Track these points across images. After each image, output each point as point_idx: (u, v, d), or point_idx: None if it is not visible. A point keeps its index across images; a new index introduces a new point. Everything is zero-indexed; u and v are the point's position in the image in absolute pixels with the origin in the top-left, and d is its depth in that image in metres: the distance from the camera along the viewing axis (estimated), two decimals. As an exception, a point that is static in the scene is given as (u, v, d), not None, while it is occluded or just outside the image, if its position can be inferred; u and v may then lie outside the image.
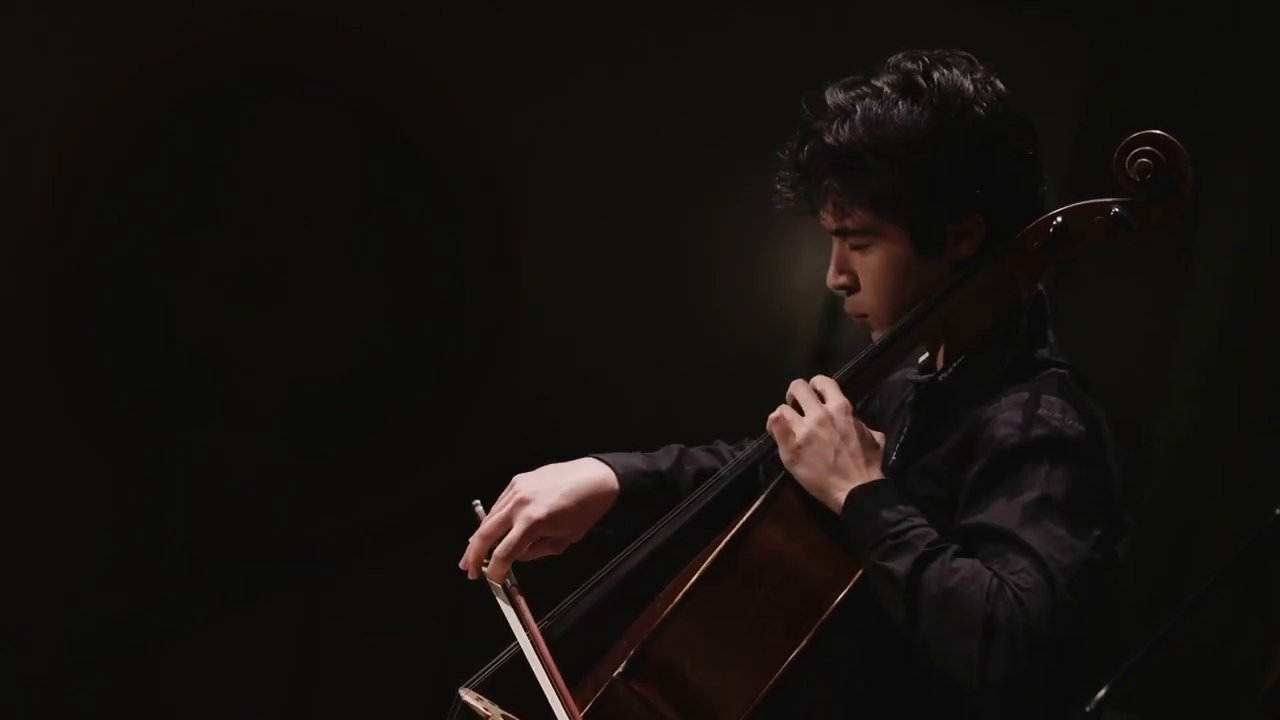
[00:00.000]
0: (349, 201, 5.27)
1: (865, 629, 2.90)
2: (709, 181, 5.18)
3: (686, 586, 2.86)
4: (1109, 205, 2.88)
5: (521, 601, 3.09)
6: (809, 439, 2.90)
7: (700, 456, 3.26)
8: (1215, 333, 5.17)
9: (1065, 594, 2.72)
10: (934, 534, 2.79)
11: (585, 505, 3.15)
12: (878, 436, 2.95)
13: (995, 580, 2.71)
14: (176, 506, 5.21)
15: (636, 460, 3.21)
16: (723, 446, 3.29)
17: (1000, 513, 2.78)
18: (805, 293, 5.11)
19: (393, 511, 5.25)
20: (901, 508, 2.82)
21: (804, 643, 2.84)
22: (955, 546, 2.77)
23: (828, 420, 2.91)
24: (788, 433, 2.92)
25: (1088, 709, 3.17)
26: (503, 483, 3.24)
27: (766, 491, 2.93)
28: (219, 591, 5.26)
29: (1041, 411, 2.83)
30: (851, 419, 2.92)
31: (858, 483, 2.86)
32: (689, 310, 5.26)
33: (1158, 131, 2.84)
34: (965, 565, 2.75)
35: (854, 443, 2.90)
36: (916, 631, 2.76)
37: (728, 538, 2.88)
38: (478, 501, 3.21)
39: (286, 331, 5.20)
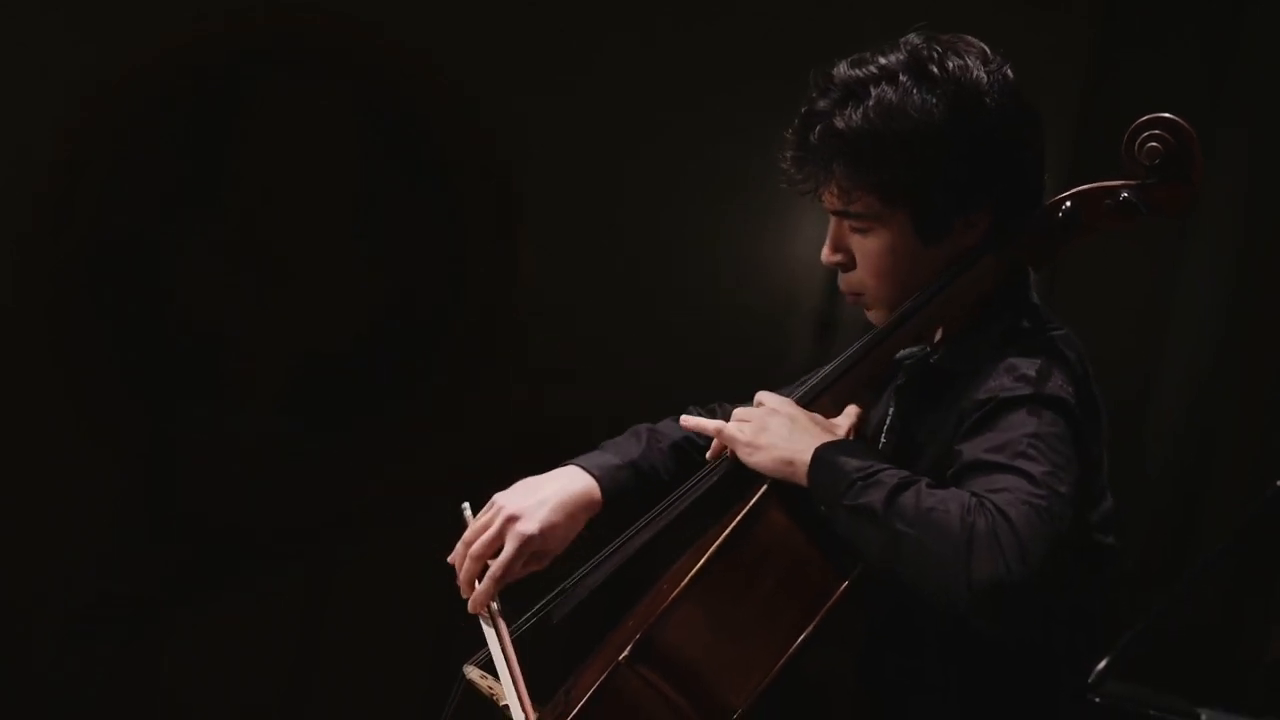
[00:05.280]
0: (350, 181, 5.26)
1: (881, 613, 2.91)
2: (711, 157, 5.18)
3: (693, 571, 2.86)
4: (1118, 190, 2.86)
5: (504, 628, 3.08)
6: (761, 426, 2.90)
7: (668, 431, 3.23)
8: (1215, 309, 5.17)
9: (1054, 512, 2.66)
10: (905, 473, 2.75)
11: (573, 517, 3.11)
12: (839, 420, 2.95)
13: (974, 498, 2.67)
14: (178, 485, 5.21)
15: (609, 457, 3.17)
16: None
17: (986, 448, 2.75)
18: (807, 264, 5.09)
19: (395, 490, 5.25)
20: (868, 457, 2.80)
21: (810, 628, 2.85)
22: (928, 480, 2.74)
23: (772, 411, 2.92)
24: (735, 439, 2.92)
25: (1089, 680, 3.18)
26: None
27: (770, 480, 2.92)
28: (221, 569, 5.26)
29: (1030, 373, 2.81)
30: (798, 408, 2.92)
31: (820, 442, 2.84)
32: (692, 283, 5.26)
33: (1167, 115, 2.83)
34: (941, 490, 2.71)
35: (804, 419, 2.90)
36: (896, 560, 2.70)
37: (735, 522, 2.87)
38: (467, 505, 3.18)
39: (288, 310, 5.20)
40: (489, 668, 3.16)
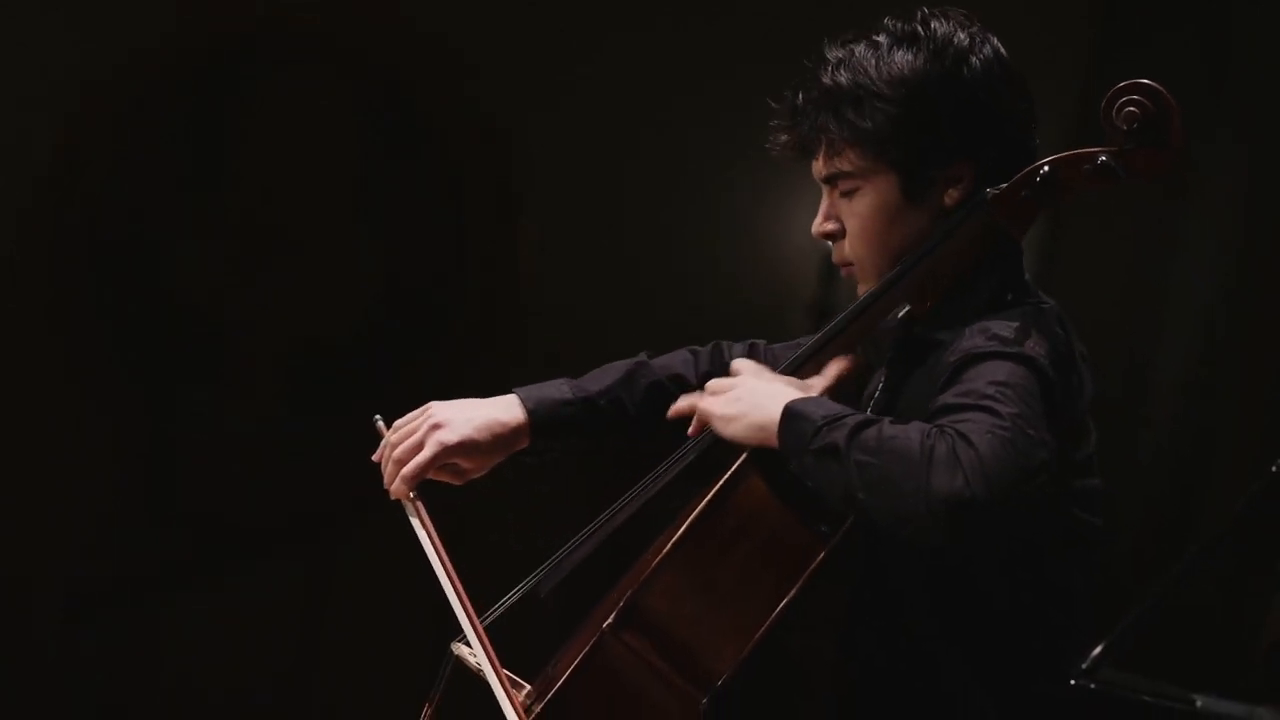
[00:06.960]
0: (350, 179, 5.27)
1: (858, 579, 2.91)
2: (709, 153, 5.18)
3: (674, 539, 2.87)
4: (1096, 154, 2.88)
5: (424, 511, 3.17)
6: (734, 397, 2.92)
7: (667, 364, 3.29)
8: (1212, 297, 5.17)
9: (1020, 447, 2.65)
10: (871, 415, 2.78)
11: (495, 440, 3.21)
12: (814, 381, 2.98)
13: (934, 428, 2.68)
14: (177, 480, 5.22)
15: (563, 391, 3.24)
16: (702, 351, 3.31)
17: (957, 394, 2.75)
18: (803, 250, 5.10)
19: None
20: (836, 408, 2.81)
21: (792, 593, 2.85)
22: (893, 418, 2.75)
23: (745, 380, 2.94)
24: (711, 414, 2.94)
25: (1084, 665, 3.17)
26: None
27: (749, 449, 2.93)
28: (220, 565, 5.27)
29: (1003, 334, 2.83)
30: (773, 374, 2.96)
31: (791, 398, 2.85)
32: (691, 278, 5.26)
33: (1145, 80, 2.85)
34: (904, 424, 2.72)
35: (779, 384, 2.92)
36: (860, 489, 2.70)
37: (714, 490, 2.89)
38: (379, 416, 3.27)
39: (289, 308, 5.20)
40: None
